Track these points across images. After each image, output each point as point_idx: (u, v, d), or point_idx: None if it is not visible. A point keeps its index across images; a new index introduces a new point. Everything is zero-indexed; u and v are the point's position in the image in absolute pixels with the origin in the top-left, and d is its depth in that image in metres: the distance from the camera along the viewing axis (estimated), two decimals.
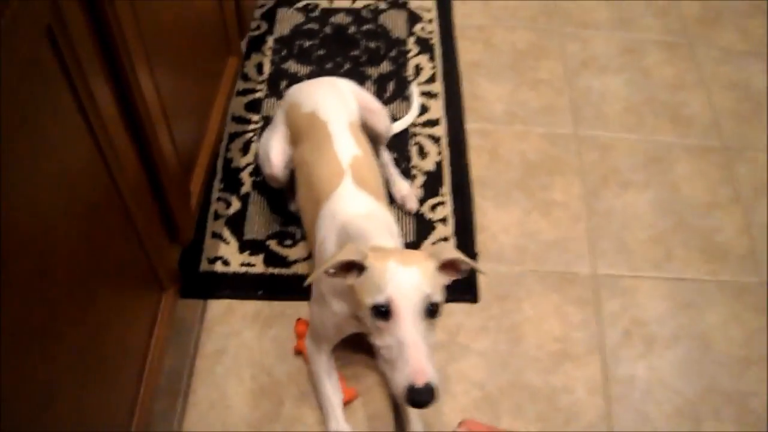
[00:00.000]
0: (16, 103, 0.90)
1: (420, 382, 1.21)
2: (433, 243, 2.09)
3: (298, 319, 1.89)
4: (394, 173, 2.18)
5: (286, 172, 1.95)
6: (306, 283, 1.40)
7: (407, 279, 1.28)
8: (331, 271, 1.36)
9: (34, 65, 0.95)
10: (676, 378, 1.95)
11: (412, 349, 1.24)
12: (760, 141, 2.52)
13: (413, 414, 1.71)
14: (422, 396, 1.21)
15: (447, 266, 1.38)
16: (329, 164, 1.71)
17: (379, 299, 1.27)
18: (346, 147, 1.75)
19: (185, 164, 1.70)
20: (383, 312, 1.27)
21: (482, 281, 2.05)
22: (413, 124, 2.37)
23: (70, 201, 1.11)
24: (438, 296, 1.30)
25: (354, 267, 1.36)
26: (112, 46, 1.20)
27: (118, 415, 1.41)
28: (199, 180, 1.81)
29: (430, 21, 2.73)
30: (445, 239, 2.09)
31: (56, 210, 1.06)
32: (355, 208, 1.63)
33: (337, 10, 2.73)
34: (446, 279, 1.37)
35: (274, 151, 1.93)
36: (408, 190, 2.17)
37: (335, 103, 1.87)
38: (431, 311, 1.28)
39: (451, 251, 1.37)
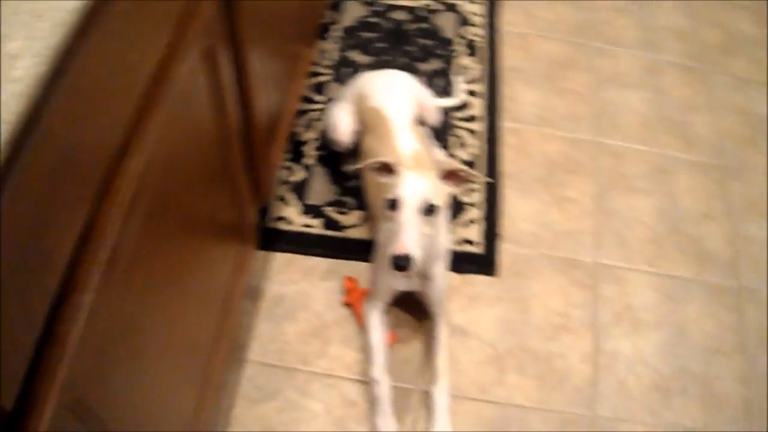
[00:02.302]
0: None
1: (400, 252, 1.70)
2: (463, 224, 2.46)
3: (346, 277, 2.27)
4: (430, 142, 2.55)
5: (350, 138, 2.34)
6: (356, 167, 1.97)
7: (414, 185, 1.76)
8: (376, 166, 1.86)
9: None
10: (654, 357, 2.30)
11: (403, 232, 1.73)
12: (757, 163, 2.86)
13: (440, 359, 2.10)
14: (401, 261, 1.70)
15: (453, 177, 1.84)
16: (392, 156, 2.09)
17: (392, 195, 1.77)
18: (407, 143, 2.14)
19: (270, 135, 2.05)
20: (393, 204, 1.76)
21: (502, 260, 2.41)
22: (454, 118, 2.72)
23: (194, 158, 1.44)
24: (435, 200, 1.77)
25: (388, 170, 1.83)
26: (236, 38, 1.56)
27: (205, 348, 1.77)
28: (279, 151, 2.18)
29: (479, 25, 3.07)
30: (472, 221, 2.46)
31: (183, 165, 1.37)
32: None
33: (396, 7, 3.07)
34: (453, 187, 1.85)
35: (343, 121, 2.33)
36: (443, 156, 2.56)
37: (398, 101, 2.26)
38: (428, 210, 1.76)
39: (452, 163, 1.86)
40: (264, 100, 1.87)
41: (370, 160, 1.85)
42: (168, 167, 1.25)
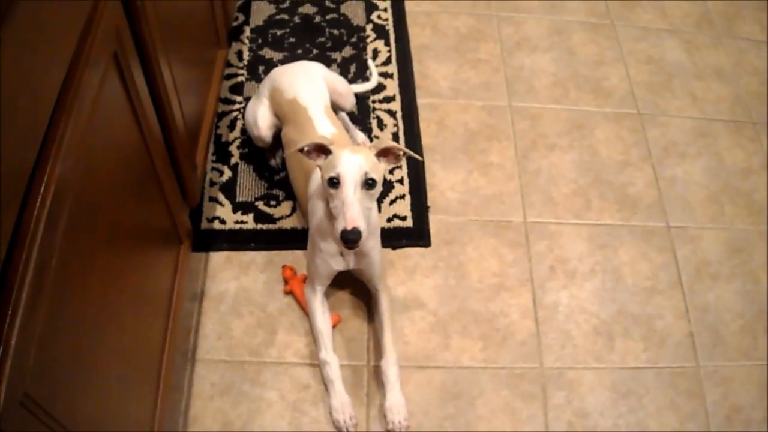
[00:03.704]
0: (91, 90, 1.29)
1: (350, 227, 1.77)
2: (392, 201, 2.52)
3: (284, 266, 2.31)
4: (351, 126, 2.64)
5: (270, 133, 2.39)
6: (292, 150, 2.00)
7: (353, 161, 1.82)
8: (307, 149, 1.92)
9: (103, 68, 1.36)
10: (592, 304, 2.39)
11: (348, 207, 1.79)
12: (671, 107, 2.95)
13: (385, 333, 2.14)
14: (351, 235, 1.78)
15: (387, 155, 1.93)
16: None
17: (333, 173, 1.82)
18: (325, 127, 2.20)
19: (191, 139, 2.09)
20: (335, 182, 1.82)
21: (434, 230, 2.47)
22: (372, 101, 2.77)
23: (119, 165, 1.47)
24: (374, 175, 1.83)
25: (323, 151, 1.90)
26: (143, 44, 1.58)
27: (155, 351, 1.82)
28: (202, 153, 2.20)
29: (385, 9, 3.12)
30: (402, 197, 2.52)
31: (107, 172, 1.40)
32: None
33: (303, 1, 3.11)
34: (387, 164, 1.94)
35: (261, 117, 2.37)
36: (364, 138, 2.63)
37: (312, 89, 2.30)
38: (368, 184, 1.83)
39: (386, 142, 1.92)
40: (181, 105, 1.90)
41: (306, 143, 1.90)
42: (91, 174, 1.28)
